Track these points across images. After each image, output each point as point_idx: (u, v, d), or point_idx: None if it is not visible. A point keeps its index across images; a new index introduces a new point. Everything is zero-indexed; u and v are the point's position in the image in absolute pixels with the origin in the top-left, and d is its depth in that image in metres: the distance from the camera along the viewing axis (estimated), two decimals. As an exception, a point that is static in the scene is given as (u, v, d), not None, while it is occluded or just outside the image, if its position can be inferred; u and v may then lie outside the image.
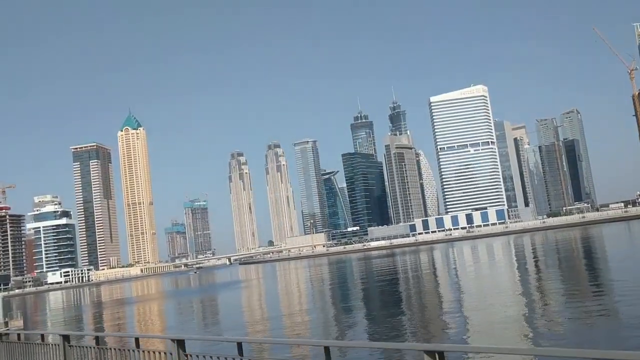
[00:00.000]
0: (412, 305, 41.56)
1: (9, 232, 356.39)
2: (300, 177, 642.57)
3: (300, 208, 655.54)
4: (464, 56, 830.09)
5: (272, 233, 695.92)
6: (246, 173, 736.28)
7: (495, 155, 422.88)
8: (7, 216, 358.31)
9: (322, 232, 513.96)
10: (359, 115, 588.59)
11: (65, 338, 7.10)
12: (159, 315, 59.56)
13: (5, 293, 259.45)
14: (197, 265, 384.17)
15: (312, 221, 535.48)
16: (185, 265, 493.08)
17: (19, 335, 9.45)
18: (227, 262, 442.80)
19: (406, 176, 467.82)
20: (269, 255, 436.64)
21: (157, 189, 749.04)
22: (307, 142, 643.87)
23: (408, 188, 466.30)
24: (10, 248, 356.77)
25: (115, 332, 39.81)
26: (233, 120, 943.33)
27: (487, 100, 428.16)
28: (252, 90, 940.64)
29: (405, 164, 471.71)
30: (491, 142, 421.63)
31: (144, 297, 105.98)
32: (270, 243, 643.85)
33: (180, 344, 5.56)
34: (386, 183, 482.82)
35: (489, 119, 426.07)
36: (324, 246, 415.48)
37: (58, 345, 7.07)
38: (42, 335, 7.87)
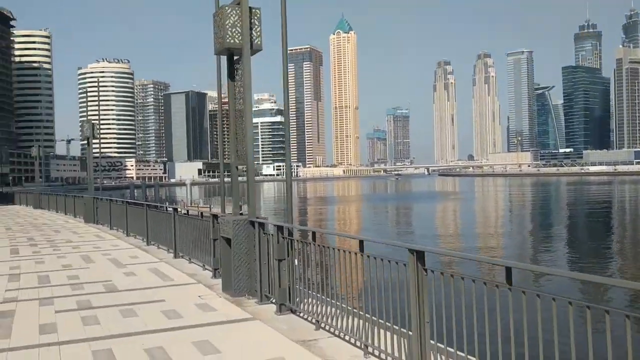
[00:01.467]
0: (626, 240, 37.13)
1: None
2: (510, 91, 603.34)
3: (507, 124, 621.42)
4: None
5: (473, 147, 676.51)
6: (452, 83, 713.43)
7: None
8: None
9: (529, 151, 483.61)
10: (586, 24, 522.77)
11: (279, 228, 8.06)
12: (356, 217, 62.39)
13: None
14: (397, 172, 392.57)
15: (519, 138, 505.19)
16: (385, 170, 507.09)
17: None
18: (425, 172, 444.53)
19: (638, 95, 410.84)
20: (469, 169, 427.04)
21: (361, 93, 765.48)
22: (522, 52, 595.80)
23: (638, 109, 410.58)
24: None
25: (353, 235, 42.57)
26: (442, 26, 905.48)
27: None
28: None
29: (638, 81, 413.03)
30: None
31: (344, 197, 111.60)
32: (471, 157, 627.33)
33: (420, 255, 5.20)
34: (612, 102, 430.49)
35: None
36: (529, 165, 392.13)
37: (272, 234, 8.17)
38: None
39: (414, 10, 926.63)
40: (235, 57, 9.80)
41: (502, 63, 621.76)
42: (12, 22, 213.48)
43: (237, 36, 9.28)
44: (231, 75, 9.95)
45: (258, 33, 9.43)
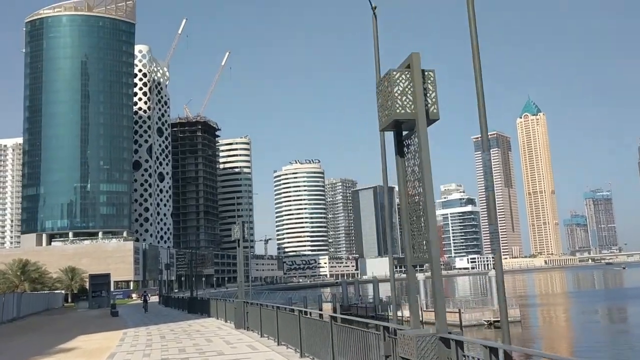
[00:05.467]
0: None
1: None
2: None
3: None
4: None
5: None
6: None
7: None
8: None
9: None
10: None
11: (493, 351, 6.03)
12: (565, 325, 53.64)
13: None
14: (607, 261, 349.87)
15: None
16: (593, 259, 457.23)
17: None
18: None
19: None
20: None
21: (556, 177, 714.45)
22: None
23: None
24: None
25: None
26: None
27: None
28: None
29: None
30: None
31: (546, 295, 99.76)
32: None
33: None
34: None
35: None
36: None
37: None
38: None
39: (607, 94, 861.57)
40: (404, 133, 7.79)
41: None
42: (217, 132, 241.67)
43: (408, 105, 7.43)
44: (400, 153, 7.81)
45: (433, 100, 7.95)
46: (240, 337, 21.25)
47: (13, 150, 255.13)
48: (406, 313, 53.24)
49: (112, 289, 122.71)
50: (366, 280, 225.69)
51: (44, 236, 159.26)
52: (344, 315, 13.68)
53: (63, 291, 78.84)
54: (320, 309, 64.17)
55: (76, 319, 44.04)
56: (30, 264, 69.83)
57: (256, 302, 22.90)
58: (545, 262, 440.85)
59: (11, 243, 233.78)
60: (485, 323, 43.56)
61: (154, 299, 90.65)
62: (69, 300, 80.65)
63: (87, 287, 64.31)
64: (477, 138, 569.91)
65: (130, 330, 27.79)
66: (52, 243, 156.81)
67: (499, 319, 42.89)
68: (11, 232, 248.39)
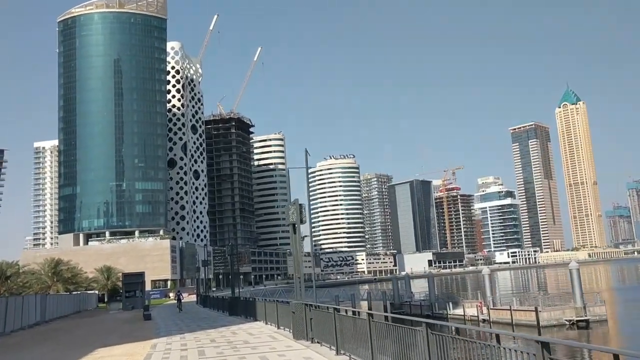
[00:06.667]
0: None
1: (460, 211, 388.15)
2: None
3: None
4: None
5: None
6: None
7: None
8: (459, 196, 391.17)
9: None
10: None
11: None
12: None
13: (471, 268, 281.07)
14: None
15: None
16: (638, 252, 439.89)
17: None
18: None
19: None
20: None
21: (598, 167, 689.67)
22: None
23: None
24: (462, 226, 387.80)
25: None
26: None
27: None
28: None
29: None
30: None
31: (591, 290, 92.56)
32: None
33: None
34: None
35: None
36: None
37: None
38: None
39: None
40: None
41: None
42: (250, 129, 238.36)
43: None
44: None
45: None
46: (306, 354, 16.15)
47: (51, 152, 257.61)
48: (469, 312, 48.05)
49: (149, 288, 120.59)
50: (414, 276, 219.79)
51: (81, 236, 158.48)
52: (436, 321, 9.28)
53: (97, 291, 75.91)
54: (370, 308, 59.38)
55: (104, 323, 40.01)
56: (63, 263, 66.94)
57: (325, 305, 17.82)
58: (589, 255, 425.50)
59: (51, 244, 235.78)
60: (567, 323, 38.02)
61: (191, 297, 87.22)
62: (105, 300, 77.72)
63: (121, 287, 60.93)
64: (515, 129, 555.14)
65: (161, 341, 22.93)
66: (89, 243, 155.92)
67: (584, 318, 37.36)
68: (51, 233, 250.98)
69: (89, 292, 70.44)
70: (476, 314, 44.74)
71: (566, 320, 37.70)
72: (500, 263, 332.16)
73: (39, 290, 58.68)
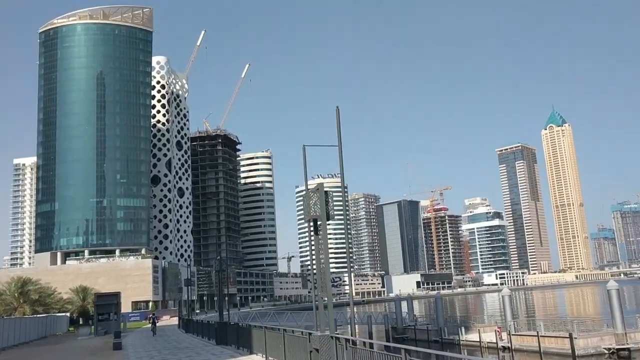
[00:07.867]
0: None
1: (448, 232, 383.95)
2: None
3: None
4: None
5: None
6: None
7: None
8: (447, 216, 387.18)
9: None
10: None
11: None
12: None
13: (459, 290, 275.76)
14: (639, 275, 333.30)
15: None
16: (625, 274, 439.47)
17: None
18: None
19: None
20: None
21: (584, 189, 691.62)
22: None
23: None
24: (450, 247, 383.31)
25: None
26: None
27: None
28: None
29: None
30: None
31: (577, 314, 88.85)
32: None
33: None
34: None
35: None
36: None
37: None
38: None
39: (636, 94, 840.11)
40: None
41: None
42: (237, 146, 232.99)
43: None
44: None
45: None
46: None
47: (31, 169, 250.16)
48: (485, 337, 43.10)
49: (129, 309, 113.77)
50: (402, 298, 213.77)
51: (59, 255, 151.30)
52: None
53: (69, 314, 69.68)
54: (370, 332, 54.18)
55: (65, 353, 34.00)
56: (32, 282, 60.91)
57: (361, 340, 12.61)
58: (577, 277, 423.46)
59: (29, 264, 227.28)
60: (606, 351, 33.21)
61: (173, 320, 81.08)
62: (80, 323, 71.40)
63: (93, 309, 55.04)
64: (501, 150, 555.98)
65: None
66: (67, 262, 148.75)
67: (625, 346, 32.62)
68: (29, 252, 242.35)
69: (58, 314, 64.28)
70: (495, 341, 39.85)
71: (605, 348, 33.02)
72: (489, 285, 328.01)
73: (2, 313, 52.73)
